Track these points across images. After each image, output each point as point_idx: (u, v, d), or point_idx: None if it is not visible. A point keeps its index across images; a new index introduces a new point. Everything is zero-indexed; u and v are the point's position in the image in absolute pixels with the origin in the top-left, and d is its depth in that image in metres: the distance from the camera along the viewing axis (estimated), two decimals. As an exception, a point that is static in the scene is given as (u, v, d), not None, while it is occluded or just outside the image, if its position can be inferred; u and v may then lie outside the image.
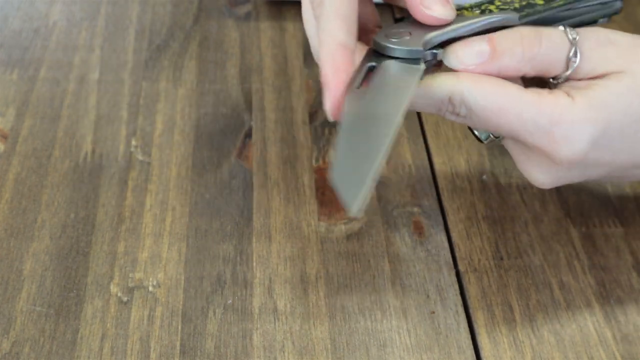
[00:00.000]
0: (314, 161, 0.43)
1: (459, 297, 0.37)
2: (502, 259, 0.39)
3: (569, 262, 0.39)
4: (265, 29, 0.52)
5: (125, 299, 0.36)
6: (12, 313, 0.35)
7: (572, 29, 0.34)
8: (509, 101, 0.32)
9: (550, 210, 0.41)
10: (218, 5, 0.54)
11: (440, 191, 0.42)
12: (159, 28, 0.52)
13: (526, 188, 0.43)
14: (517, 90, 0.33)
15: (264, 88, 0.48)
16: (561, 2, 0.35)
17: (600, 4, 0.36)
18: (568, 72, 0.34)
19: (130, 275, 0.37)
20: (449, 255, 0.39)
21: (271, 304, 0.36)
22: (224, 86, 0.48)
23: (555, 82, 0.34)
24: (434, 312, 0.36)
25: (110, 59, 0.49)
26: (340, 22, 0.31)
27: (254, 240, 0.39)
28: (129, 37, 0.51)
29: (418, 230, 0.40)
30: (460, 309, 0.37)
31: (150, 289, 0.37)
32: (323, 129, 0.45)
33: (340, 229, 0.40)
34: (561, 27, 0.34)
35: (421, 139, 0.45)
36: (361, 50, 0.34)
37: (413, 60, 0.32)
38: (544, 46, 0.33)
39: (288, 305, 0.36)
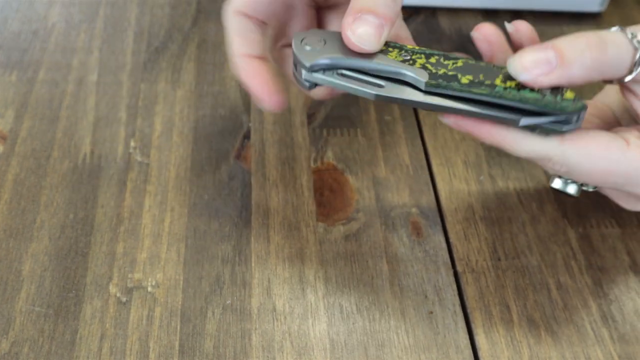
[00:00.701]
0: (312, 162, 0.43)
1: (457, 298, 0.37)
2: (499, 259, 0.39)
3: (566, 262, 0.39)
4: (264, 31, 0.52)
5: (124, 299, 0.36)
6: (12, 313, 0.35)
7: (633, 32, 0.33)
8: (614, 162, 0.33)
9: (547, 211, 0.42)
10: (216, 7, 0.54)
11: (438, 192, 0.42)
12: (158, 30, 0.52)
13: (523, 189, 0.43)
14: (619, 149, 0.33)
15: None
16: (486, 91, 0.32)
17: (551, 122, 0.33)
18: (632, 75, 0.34)
19: (129, 275, 0.37)
20: (446, 255, 0.39)
21: (270, 304, 0.36)
22: (222, 88, 0.48)
23: (615, 84, 0.35)
24: (432, 312, 0.37)
25: (109, 60, 0.49)
26: (238, 38, 0.36)
27: (252, 240, 0.39)
28: (127, 39, 0.51)
29: (416, 230, 0.40)
30: (458, 309, 0.37)
31: (149, 289, 0.37)
32: (321, 130, 0.45)
33: (339, 229, 0.40)
34: (622, 31, 0.33)
35: (419, 140, 0.45)
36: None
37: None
38: (609, 52, 0.32)
39: (287, 306, 0.36)
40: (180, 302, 0.36)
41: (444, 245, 0.40)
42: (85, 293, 0.36)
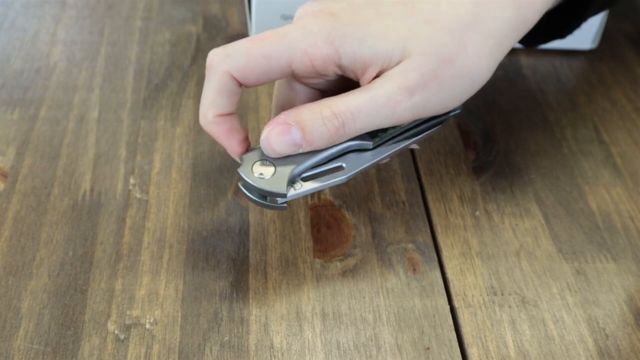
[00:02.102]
0: (309, 198, 0.44)
1: (454, 333, 0.38)
2: (495, 294, 0.39)
3: (562, 297, 0.39)
4: (262, 68, 0.53)
5: (122, 336, 0.36)
6: (10, 351, 0.35)
7: None
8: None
9: (542, 246, 0.42)
10: (215, 46, 0.55)
11: (434, 227, 0.43)
12: (158, 68, 0.53)
13: (518, 224, 0.43)
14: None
15: (260, 127, 0.49)
16: (406, 124, 0.38)
17: (442, 120, 0.40)
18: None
19: (128, 312, 0.37)
20: (443, 291, 0.40)
21: (267, 341, 0.37)
22: (221, 125, 0.48)
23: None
24: (428, 348, 0.37)
25: (109, 98, 0.50)
26: (219, 98, 0.37)
27: (250, 277, 0.39)
28: (128, 77, 0.52)
29: (412, 266, 0.41)
30: (455, 345, 0.37)
31: (147, 326, 0.37)
32: (318, 167, 0.46)
33: (336, 265, 0.40)
34: None
35: (415, 176, 0.46)
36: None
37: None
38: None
39: (284, 342, 0.37)
40: (178, 339, 0.36)
41: (440, 280, 0.40)
42: (84, 330, 0.36)
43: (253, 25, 0.54)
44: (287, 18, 0.53)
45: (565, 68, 0.56)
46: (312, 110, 0.36)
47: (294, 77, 0.38)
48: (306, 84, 0.39)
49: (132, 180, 0.44)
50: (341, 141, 0.37)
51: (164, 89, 0.51)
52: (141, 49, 0.54)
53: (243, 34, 0.56)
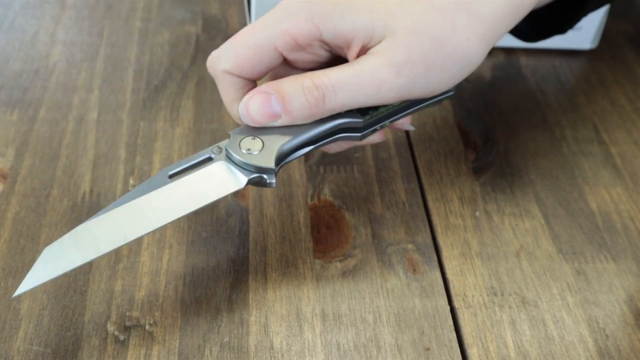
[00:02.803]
0: (309, 199, 0.44)
1: (454, 334, 0.38)
2: (496, 295, 0.39)
3: (563, 297, 0.39)
4: (261, 69, 0.53)
5: (122, 337, 0.36)
6: (9, 353, 0.35)
7: None
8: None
9: (542, 246, 0.42)
10: (215, 46, 0.55)
11: (434, 228, 0.43)
12: (157, 69, 0.53)
13: (518, 224, 0.43)
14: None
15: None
16: (398, 103, 0.38)
17: (436, 100, 0.39)
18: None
19: (127, 313, 0.37)
20: (443, 291, 0.39)
21: (267, 342, 0.37)
22: (220, 125, 0.48)
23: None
24: (428, 349, 0.37)
25: (108, 99, 0.50)
26: (231, 89, 0.38)
27: (250, 277, 0.39)
28: (127, 78, 0.52)
29: (412, 266, 0.41)
30: (455, 345, 0.37)
31: (147, 327, 0.37)
32: (318, 168, 0.46)
33: (336, 266, 0.40)
34: None
35: (415, 177, 0.46)
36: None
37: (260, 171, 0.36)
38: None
39: (284, 343, 0.37)
40: (178, 341, 0.36)
41: (440, 281, 0.40)
42: (83, 332, 0.36)
43: (252, 26, 0.54)
44: (287, 18, 0.53)
45: (565, 68, 0.56)
46: (293, 80, 0.35)
47: (288, 62, 0.38)
48: (301, 68, 0.39)
49: (131, 181, 0.44)
50: (322, 115, 0.36)
51: (164, 90, 0.51)
52: (140, 49, 0.54)
53: (242, 34, 0.56)
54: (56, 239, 0.40)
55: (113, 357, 0.35)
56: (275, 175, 0.36)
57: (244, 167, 0.36)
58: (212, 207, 0.43)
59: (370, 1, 0.36)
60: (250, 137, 0.36)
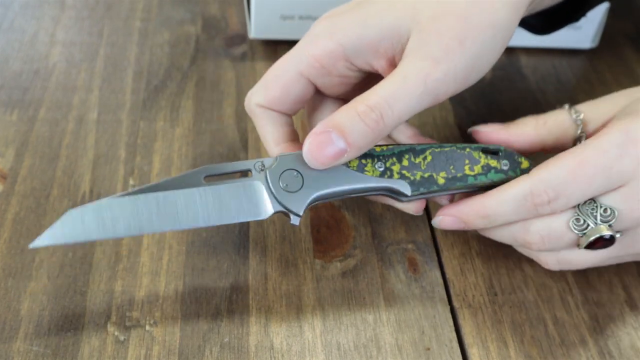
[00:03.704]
0: (309, 199, 0.44)
1: (454, 333, 0.37)
2: (496, 294, 0.39)
3: (563, 297, 0.39)
4: (261, 68, 0.53)
5: (122, 338, 0.36)
6: (9, 353, 0.35)
7: (576, 110, 0.39)
8: (580, 152, 0.35)
9: (543, 246, 0.42)
10: (214, 46, 0.55)
11: (434, 227, 0.43)
12: (157, 69, 0.53)
13: (519, 224, 0.43)
14: (579, 146, 0.35)
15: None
16: (461, 185, 0.37)
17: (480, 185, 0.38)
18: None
19: (128, 314, 0.37)
20: (443, 291, 0.39)
21: (267, 342, 0.36)
22: (220, 126, 0.48)
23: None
24: (429, 349, 0.37)
25: (108, 99, 0.50)
26: (271, 128, 0.38)
27: (250, 278, 0.39)
28: (127, 78, 0.52)
29: (412, 266, 0.41)
30: (455, 345, 0.37)
31: (147, 327, 0.37)
32: (318, 167, 0.46)
33: (336, 266, 0.40)
34: (567, 110, 0.39)
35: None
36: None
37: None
38: (550, 130, 0.39)
39: (284, 343, 0.37)
40: (178, 341, 0.36)
41: (441, 280, 0.40)
42: (84, 332, 0.36)
43: (252, 26, 0.54)
44: (287, 18, 0.53)
45: (565, 67, 0.56)
46: (345, 111, 0.34)
47: (318, 90, 0.39)
48: (334, 96, 0.39)
49: (131, 182, 0.44)
50: (385, 134, 0.35)
51: (163, 90, 0.51)
52: (140, 49, 0.54)
53: (242, 34, 0.56)
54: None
55: (113, 358, 0.35)
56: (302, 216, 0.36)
57: (276, 199, 0.36)
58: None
59: (387, 2, 0.36)
60: (295, 172, 0.35)
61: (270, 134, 0.38)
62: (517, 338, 0.37)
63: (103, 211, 0.34)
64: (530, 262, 0.41)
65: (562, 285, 0.40)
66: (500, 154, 0.38)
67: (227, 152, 0.46)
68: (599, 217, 0.35)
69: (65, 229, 0.34)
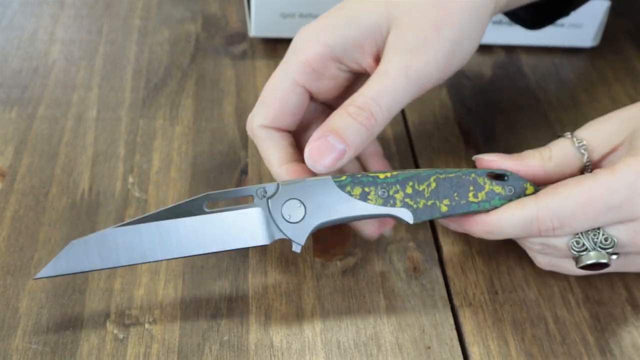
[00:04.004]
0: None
1: (455, 332, 0.37)
2: (497, 293, 0.39)
3: (564, 296, 0.39)
4: (261, 67, 0.53)
5: (121, 336, 0.36)
6: (8, 351, 0.35)
7: (579, 139, 0.38)
8: (591, 189, 0.34)
9: (543, 245, 0.42)
10: (214, 44, 0.55)
11: (435, 226, 0.43)
12: (157, 67, 0.52)
13: (520, 222, 0.43)
14: (590, 178, 0.35)
15: (260, 125, 0.48)
16: (463, 212, 0.37)
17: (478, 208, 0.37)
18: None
19: (127, 312, 0.37)
20: (444, 290, 0.39)
21: (267, 340, 0.36)
22: (220, 124, 0.48)
23: None
24: (429, 347, 0.37)
25: (107, 97, 0.50)
26: (274, 150, 0.38)
27: (250, 276, 0.39)
28: (126, 76, 0.52)
29: (413, 265, 0.40)
30: (456, 344, 0.37)
31: (147, 325, 0.37)
32: (318, 165, 0.45)
33: (336, 264, 0.40)
34: (569, 138, 0.38)
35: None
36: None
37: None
38: (556, 164, 0.38)
39: (284, 341, 0.36)
40: (177, 339, 0.36)
41: (441, 279, 0.40)
42: (83, 330, 0.36)
43: (252, 24, 0.53)
44: (287, 16, 0.53)
45: (566, 66, 0.55)
46: (338, 115, 0.36)
47: (314, 98, 0.39)
48: (328, 100, 0.40)
49: (131, 179, 0.44)
50: (380, 129, 0.36)
51: (163, 88, 0.51)
52: (140, 48, 0.54)
53: (242, 32, 0.56)
54: (55, 238, 0.40)
55: (112, 356, 0.35)
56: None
57: (278, 228, 0.36)
58: (212, 206, 0.43)
59: (360, 3, 0.37)
60: (297, 202, 0.36)
61: (273, 155, 0.38)
62: (518, 336, 0.37)
63: (106, 242, 0.35)
64: (531, 260, 0.41)
65: (563, 284, 0.40)
66: (507, 178, 0.37)
67: (227, 150, 0.46)
68: (598, 243, 0.35)
69: (69, 260, 0.35)
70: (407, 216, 0.36)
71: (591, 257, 0.35)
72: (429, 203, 0.36)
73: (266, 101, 0.38)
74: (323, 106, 0.41)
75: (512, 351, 0.37)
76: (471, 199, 0.36)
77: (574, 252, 0.36)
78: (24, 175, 0.44)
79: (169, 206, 0.36)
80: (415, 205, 0.36)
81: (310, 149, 0.35)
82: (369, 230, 0.38)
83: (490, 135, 0.49)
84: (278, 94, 0.38)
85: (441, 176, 0.36)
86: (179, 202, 0.36)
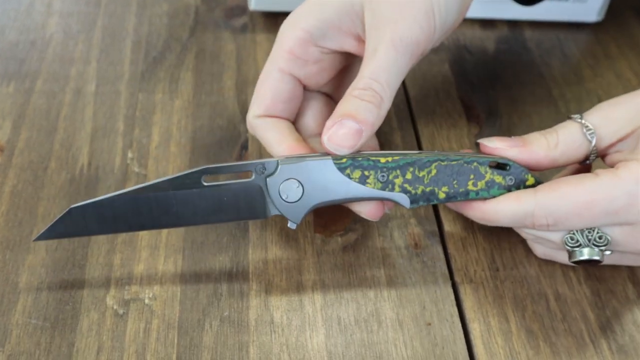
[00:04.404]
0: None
1: (455, 309, 0.37)
2: (497, 270, 0.39)
3: (565, 273, 0.39)
4: (261, 40, 0.52)
5: (121, 311, 0.36)
6: (8, 326, 0.35)
7: (587, 125, 0.37)
8: (590, 192, 0.34)
9: (545, 221, 0.42)
10: (214, 18, 0.54)
11: (436, 202, 0.42)
12: (156, 40, 0.52)
13: (521, 199, 0.43)
14: (590, 179, 0.35)
15: (260, 100, 0.48)
16: (461, 199, 0.37)
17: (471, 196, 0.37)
18: (589, 162, 0.38)
19: (127, 287, 0.37)
20: (444, 266, 0.39)
21: (267, 316, 0.36)
22: (220, 98, 0.48)
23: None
24: (430, 324, 0.37)
25: (106, 71, 0.49)
26: (273, 134, 0.38)
27: (250, 252, 0.39)
28: (125, 49, 0.51)
29: (414, 241, 0.40)
30: (457, 320, 0.37)
31: (147, 301, 0.37)
32: (319, 141, 0.45)
33: (337, 240, 0.40)
34: (578, 122, 0.37)
35: (417, 149, 0.45)
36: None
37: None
38: (562, 149, 0.37)
39: (284, 317, 0.36)
40: (177, 314, 0.36)
41: (442, 256, 0.40)
42: (82, 305, 0.36)
43: (252, -3, 0.53)
44: (287, -11, 0.52)
45: (570, 41, 0.55)
46: (345, 100, 0.36)
47: (306, 87, 0.40)
48: (320, 86, 0.41)
49: (130, 154, 0.44)
50: (388, 106, 0.36)
51: (162, 62, 0.50)
52: (139, 20, 0.53)
53: (242, 5, 0.55)
54: (54, 212, 0.40)
55: (112, 331, 0.35)
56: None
57: (275, 206, 0.36)
58: (212, 181, 0.42)
59: None
60: (296, 183, 0.35)
61: (273, 137, 0.38)
62: (519, 313, 0.37)
63: (104, 208, 0.35)
64: (533, 237, 0.41)
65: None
66: (509, 168, 0.37)
67: (227, 124, 0.46)
68: (592, 240, 0.35)
69: (67, 226, 0.35)
70: (404, 201, 0.36)
71: (584, 254, 0.35)
72: (428, 190, 0.36)
73: (258, 93, 0.39)
74: (320, 94, 0.42)
75: (512, 327, 0.37)
76: (470, 187, 0.36)
77: (568, 247, 0.36)
78: (22, 150, 0.43)
79: (167, 177, 0.36)
80: (413, 191, 0.36)
81: (329, 136, 0.35)
82: (367, 212, 0.38)
83: (492, 111, 0.48)
84: (267, 84, 0.39)
85: (443, 163, 0.36)
86: (177, 174, 0.35)
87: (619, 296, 0.38)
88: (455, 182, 0.36)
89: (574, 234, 0.35)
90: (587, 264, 0.36)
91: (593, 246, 0.35)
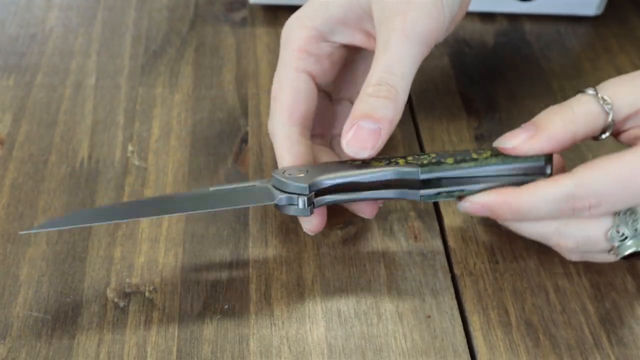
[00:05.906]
0: (310, 166, 0.43)
1: (455, 301, 0.37)
2: (497, 262, 0.39)
3: (564, 265, 0.39)
4: (261, 34, 0.52)
5: (121, 304, 0.36)
6: (9, 318, 0.35)
7: (604, 98, 0.35)
8: (632, 164, 0.33)
9: (545, 214, 0.42)
10: (214, 11, 0.54)
11: (436, 195, 0.42)
12: (156, 34, 0.52)
13: (521, 192, 0.43)
14: (630, 152, 0.33)
15: (260, 94, 0.48)
16: (472, 164, 0.35)
17: (524, 174, 0.35)
18: (605, 136, 0.36)
19: (127, 280, 0.37)
20: (444, 259, 0.39)
21: (267, 309, 0.36)
22: (220, 92, 0.48)
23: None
24: (429, 316, 0.37)
25: (106, 64, 0.49)
26: (289, 155, 0.37)
27: (250, 245, 0.39)
28: (125, 43, 0.51)
29: (414, 234, 0.40)
30: (456, 313, 0.37)
31: (147, 294, 0.37)
32: (319, 134, 0.45)
33: (337, 233, 0.40)
34: (594, 97, 0.35)
35: (416, 143, 0.45)
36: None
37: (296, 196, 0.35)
38: (580, 123, 0.35)
39: (284, 310, 0.36)
40: (177, 308, 0.36)
41: (442, 248, 0.40)
42: (83, 298, 0.36)
43: (252, -10, 0.53)
44: (287, -17, 0.52)
45: (570, 34, 0.55)
46: (360, 100, 0.35)
47: (320, 87, 0.40)
48: (331, 83, 0.41)
49: (130, 148, 0.44)
50: (404, 100, 0.35)
51: (162, 55, 0.50)
52: (139, 14, 0.53)
53: (242, -1, 0.55)
54: (54, 206, 0.40)
55: (113, 324, 0.35)
56: (309, 205, 0.35)
57: (279, 187, 0.35)
58: (212, 174, 0.43)
59: None
60: (300, 167, 0.36)
61: (288, 150, 0.37)
62: (518, 305, 0.37)
63: (104, 210, 0.36)
64: (532, 230, 0.41)
65: (563, 254, 0.40)
66: (549, 172, 0.35)
67: (227, 118, 0.46)
68: (639, 229, 0.34)
69: (66, 218, 0.36)
70: (415, 171, 0.35)
71: (632, 247, 0.33)
72: (433, 160, 0.35)
73: (278, 97, 0.38)
74: (323, 94, 0.41)
75: (512, 320, 0.37)
76: (475, 156, 0.35)
77: (615, 243, 0.34)
78: (22, 143, 0.43)
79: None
80: (418, 162, 0.35)
81: (347, 141, 0.35)
82: (366, 211, 0.38)
83: (492, 104, 0.48)
84: (286, 84, 0.38)
85: (441, 152, 0.36)
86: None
87: (618, 289, 0.38)
88: (458, 156, 0.35)
89: (618, 225, 0.34)
90: (637, 257, 0.34)
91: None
